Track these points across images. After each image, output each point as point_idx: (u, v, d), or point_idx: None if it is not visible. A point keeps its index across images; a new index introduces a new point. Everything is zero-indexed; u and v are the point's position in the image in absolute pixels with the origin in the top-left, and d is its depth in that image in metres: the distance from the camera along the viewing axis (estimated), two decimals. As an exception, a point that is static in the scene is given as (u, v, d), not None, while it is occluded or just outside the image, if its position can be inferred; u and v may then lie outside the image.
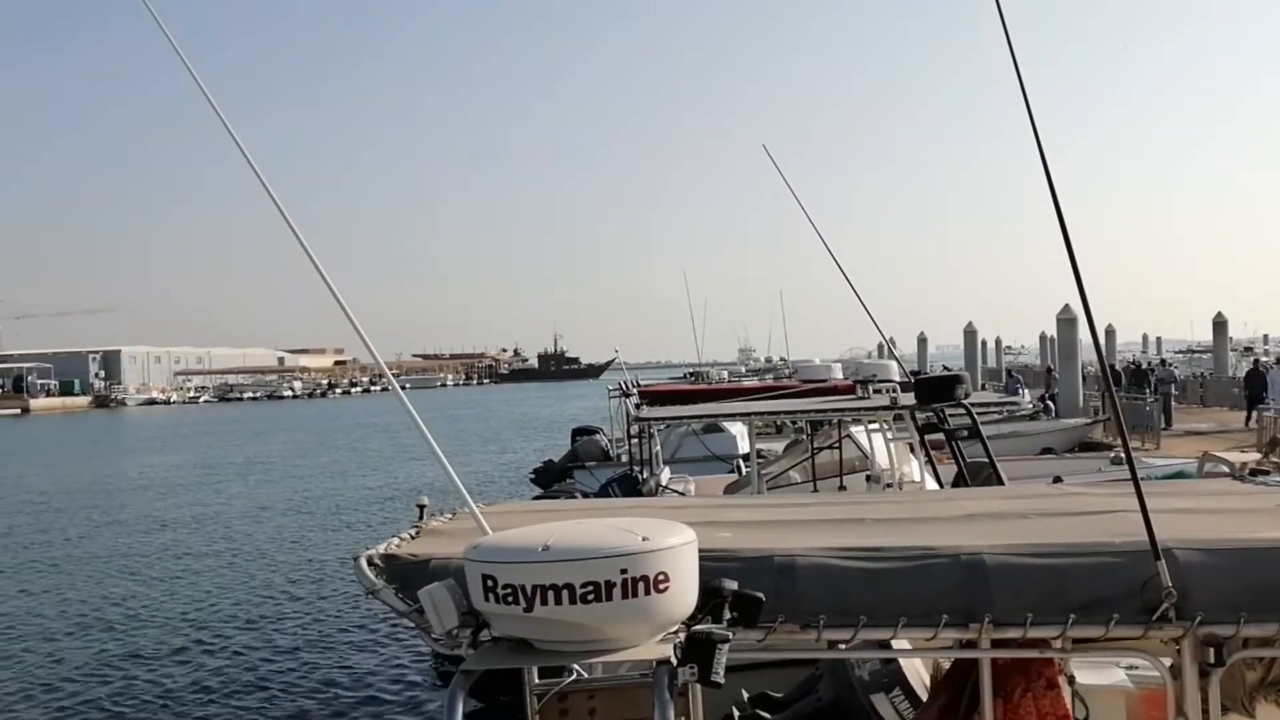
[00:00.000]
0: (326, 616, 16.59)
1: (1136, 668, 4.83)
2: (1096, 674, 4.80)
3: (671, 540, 2.72)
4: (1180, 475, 12.90)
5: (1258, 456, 16.63)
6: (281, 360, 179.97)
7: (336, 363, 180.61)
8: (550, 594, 2.60)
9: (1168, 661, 3.29)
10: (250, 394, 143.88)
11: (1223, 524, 3.62)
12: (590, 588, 2.59)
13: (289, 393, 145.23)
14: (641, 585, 2.62)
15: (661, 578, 2.65)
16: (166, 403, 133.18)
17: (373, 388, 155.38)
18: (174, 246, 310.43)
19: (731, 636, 2.74)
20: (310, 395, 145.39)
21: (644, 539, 2.67)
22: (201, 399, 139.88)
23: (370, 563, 3.34)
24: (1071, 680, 4.09)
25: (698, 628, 2.77)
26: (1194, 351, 70.24)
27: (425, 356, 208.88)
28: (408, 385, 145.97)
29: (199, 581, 20.13)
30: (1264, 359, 33.61)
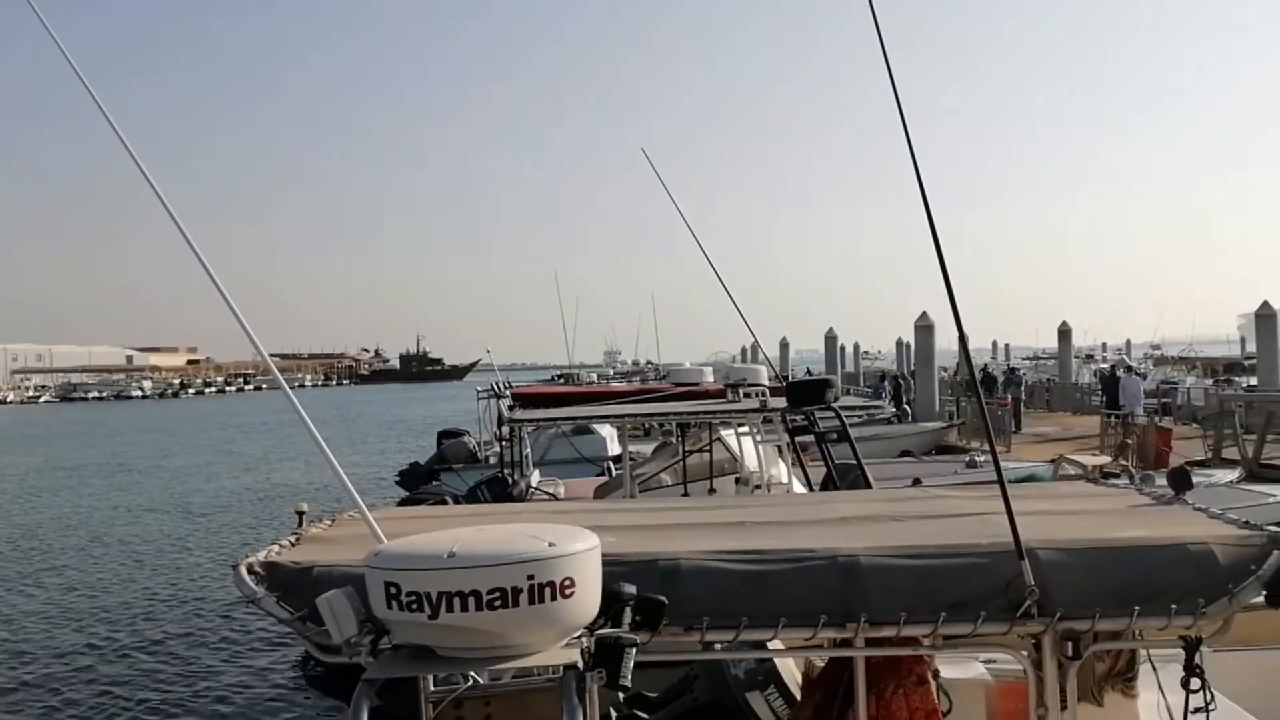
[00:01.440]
0: (195, 626, 15.95)
1: (995, 661, 5.06)
2: (959, 668, 5.01)
3: (578, 546, 2.74)
4: (1032, 478, 13.51)
5: (1107, 460, 17.54)
6: (130, 359, 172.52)
7: (190, 362, 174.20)
8: (456, 600, 2.58)
9: (1029, 655, 3.46)
10: (96, 394, 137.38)
11: (1080, 525, 3.82)
12: (497, 594, 2.59)
13: (138, 393, 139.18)
14: (548, 591, 2.63)
15: (568, 583, 2.66)
16: (3, 402, 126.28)
17: (228, 388, 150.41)
18: (12, 236, 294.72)
19: (639, 641, 2.78)
20: (161, 395, 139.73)
21: (550, 544, 2.68)
22: (42, 399, 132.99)
23: (250, 570, 3.27)
24: (936, 675, 4.26)
25: (606, 632, 2.80)
26: (1040, 358, 73.38)
27: (283, 356, 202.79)
28: (264, 385, 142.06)
29: (59, 593, 19.07)
30: (1119, 367, 35.40)
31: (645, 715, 5.65)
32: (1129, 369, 34.98)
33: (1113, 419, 24.84)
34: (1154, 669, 4.44)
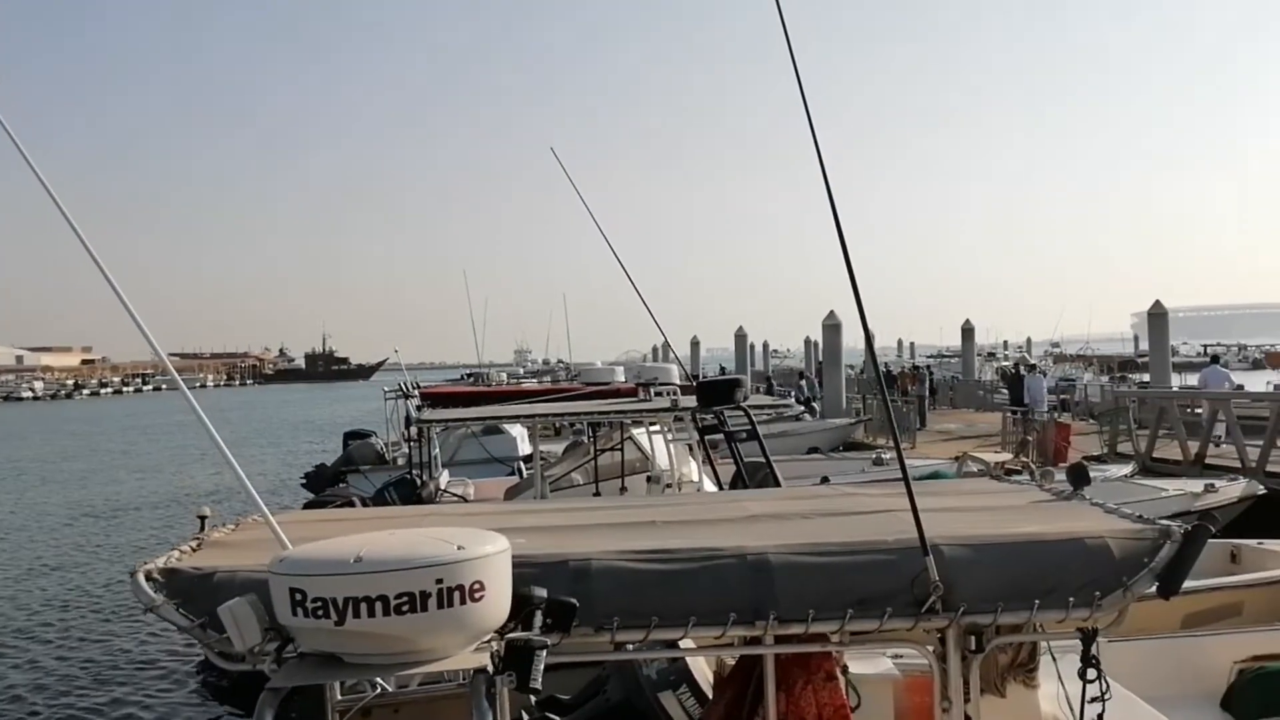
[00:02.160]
0: (90, 636, 15.35)
1: (902, 656, 5.15)
2: (867, 664, 5.09)
3: (487, 549, 2.71)
4: (937, 475, 13.79)
5: (1010, 456, 18.00)
6: (20, 359, 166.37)
7: (84, 361, 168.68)
8: (363, 606, 2.54)
9: (933, 650, 3.52)
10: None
11: (982, 521, 3.90)
12: (405, 598, 2.55)
13: (29, 394, 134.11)
14: (457, 594, 2.60)
15: (477, 586, 2.64)
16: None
17: (125, 388, 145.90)
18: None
19: (549, 643, 2.76)
20: (54, 397, 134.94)
21: (459, 548, 2.65)
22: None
23: (149, 577, 3.17)
24: (845, 671, 4.32)
25: (516, 635, 2.78)
26: (944, 356, 75.03)
27: (183, 356, 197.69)
28: (164, 386, 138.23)
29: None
30: (1024, 365, 36.29)
31: (558, 718, 5.62)
32: (1032, 367, 35.39)
33: (1016, 416, 25.39)
34: (1054, 660, 4.57)
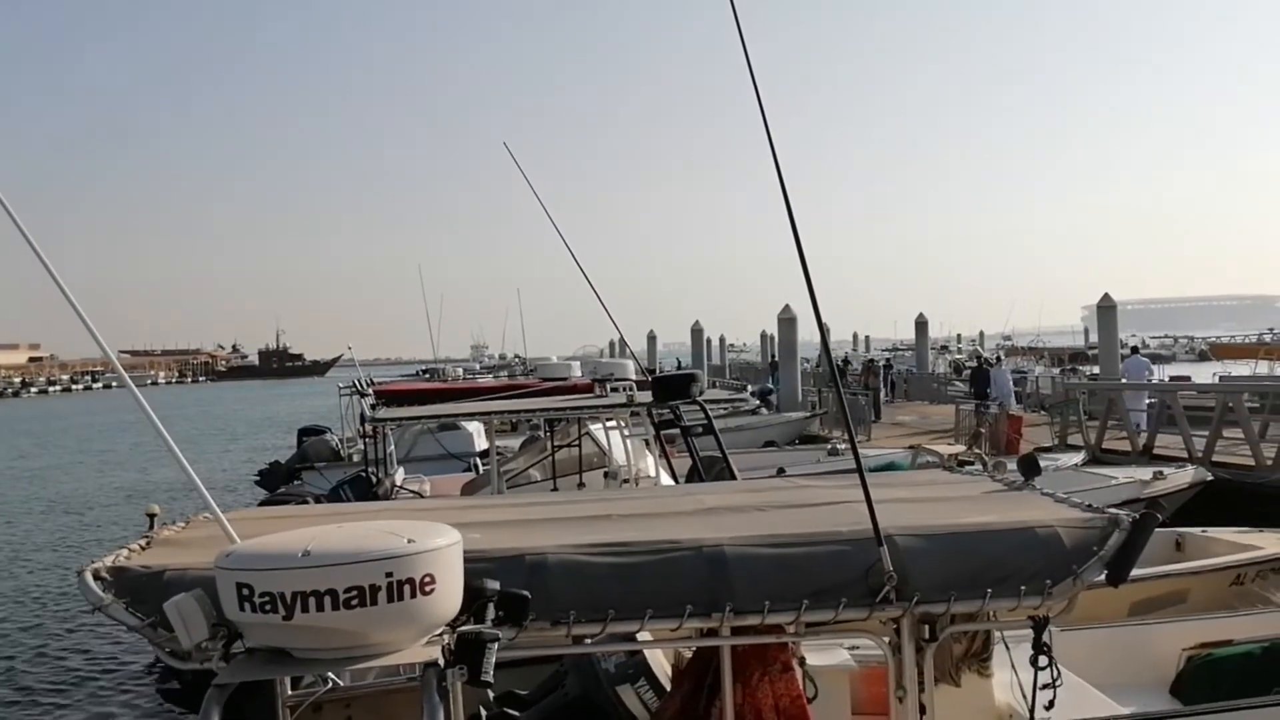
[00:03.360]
0: (37, 637, 15.13)
1: (859, 647, 5.18)
2: (823, 655, 5.12)
3: (437, 541, 2.69)
4: (892, 465, 13.91)
5: (963, 448, 18.17)
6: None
7: (32, 359, 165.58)
8: (312, 600, 2.52)
9: (888, 640, 3.55)
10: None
11: (935, 511, 3.93)
12: (354, 592, 2.53)
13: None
14: (408, 588, 2.59)
15: (428, 579, 2.62)
16: None
17: (75, 386, 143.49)
18: None
19: (501, 636, 2.75)
20: (1, 395, 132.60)
21: (409, 541, 2.64)
22: None
23: (97, 576, 3.13)
24: (802, 662, 4.34)
25: (467, 628, 2.76)
26: (898, 349, 75.69)
27: (135, 353, 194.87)
28: (114, 384, 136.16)
29: None
30: (989, 359, 36.43)
31: (516, 713, 5.60)
32: (997, 360, 35.35)
33: (978, 408, 25.43)
34: (1007, 648, 4.62)
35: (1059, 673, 3.67)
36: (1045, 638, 3.61)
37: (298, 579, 2.53)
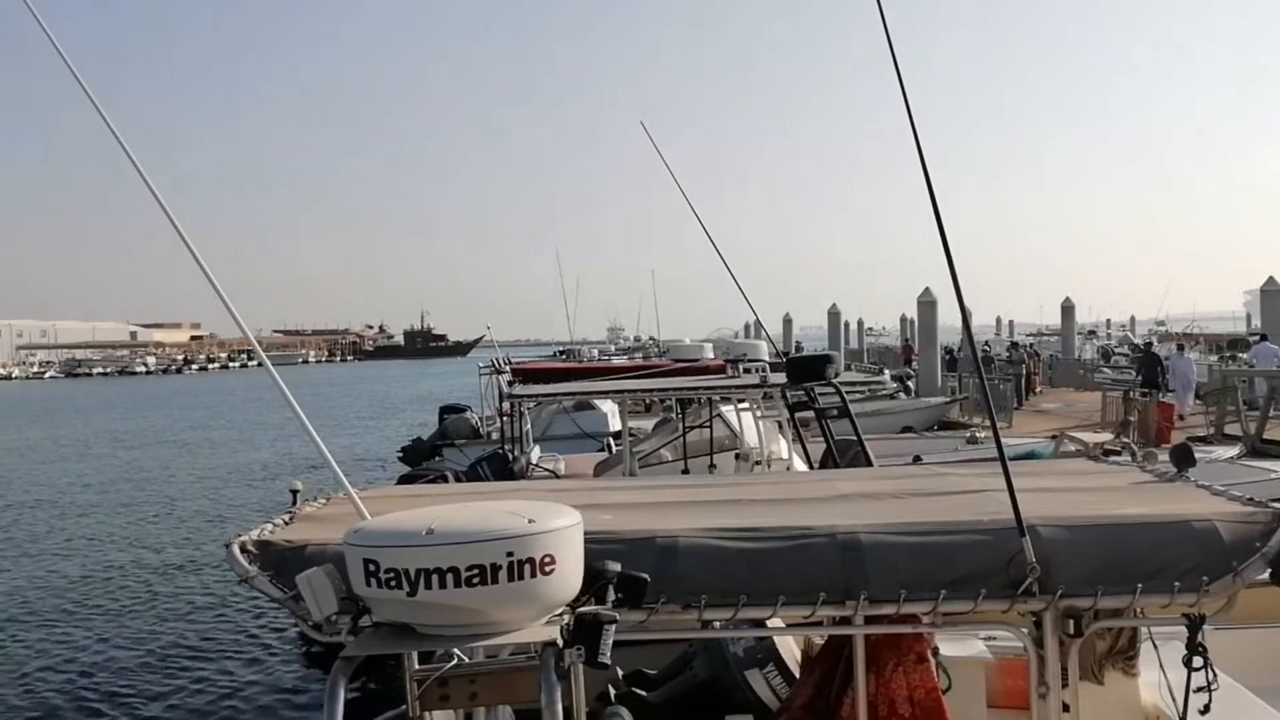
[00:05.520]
0: (196, 604, 15.97)
1: (996, 639, 5.03)
2: (958, 646, 4.98)
3: (558, 522, 2.70)
4: (1032, 454, 13.48)
5: (1109, 436, 17.45)
6: (134, 335, 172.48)
7: (193, 337, 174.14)
8: (435, 578, 2.56)
9: (1029, 633, 3.43)
10: (100, 369, 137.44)
11: (1080, 501, 3.79)
12: (475, 571, 2.56)
13: (142, 368, 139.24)
14: (528, 567, 2.61)
15: (548, 560, 2.64)
16: (7, 378, 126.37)
17: (231, 364, 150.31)
18: (15, 212, 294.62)
19: (618, 618, 2.75)
20: (165, 371, 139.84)
21: (530, 521, 2.65)
22: (47, 374, 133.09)
23: (243, 549, 3.25)
24: (936, 652, 4.23)
25: (584, 609, 2.77)
26: (1043, 335, 73.28)
27: (287, 332, 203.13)
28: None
29: (61, 567, 19.13)
30: (1170, 343, 34.41)
31: (644, 692, 5.62)
32: (1179, 346, 32.78)
33: (1123, 395, 24.13)
34: (1155, 647, 4.42)
35: (1214, 674, 3.48)
36: (1200, 637, 3.43)
37: (421, 556, 2.57)
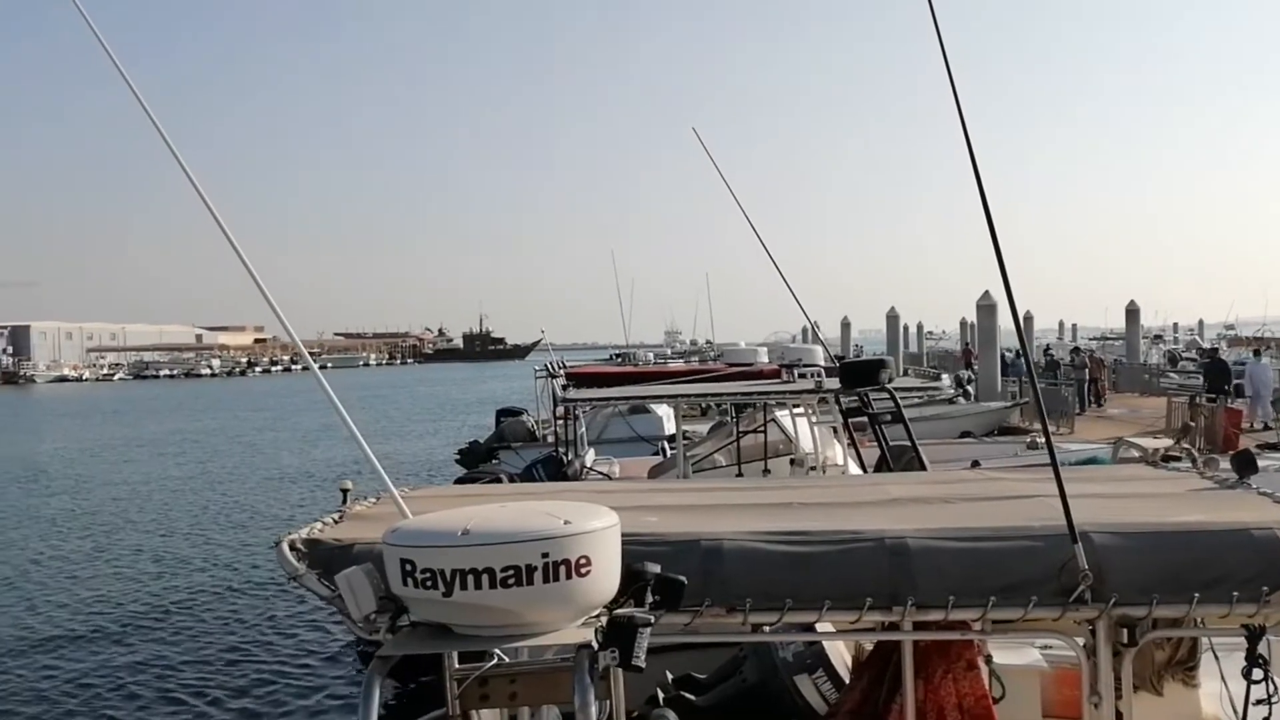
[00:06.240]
0: (247, 600, 16.33)
1: (1051, 647, 4.94)
2: (1012, 654, 4.91)
3: (594, 524, 2.69)
4: (1093, 460, 13.23)
5: (1170, 443, 17.05)
6: (199, 337, 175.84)
7: (256, 340, 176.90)
8: (470, 578, 2.56)
9: (1082, 642, 3.36)
10: (166, 372, 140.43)
11: (1135, 508, 3.71)
12: (511, 571, 2.56)
13: (207, 371, 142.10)
14: (563, 569, 2.60)
15: (583, 561, 2.63)
16: (79, 380, 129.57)
17: (294, 366, 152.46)
18: (87, 220, 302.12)
19: (653, 620, 2.73)
20: (229, 374, 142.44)
21: (565, 522, 2.65)
22: (116, 376, 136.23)
23: (292, 547, 3.28)
24: (989, 660, 4.17)
25: (619, 611, 2.75)
26: (1107, 339, 71.95)
27: (348, 335, 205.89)
28: (329, 364, 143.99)
29: (115, 563, 19.71)
30: (1224, 347, 33.31)
31: (693, 696, 5.61)
32: (1256, 352, 30.69)
33: (1189, 400, 23.38)
34: (1216, 658, 4.31)
35: (1276, 687, 3.39)
36: (1261, 648, 3.34)
37: (457, 557, 2.58)
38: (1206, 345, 41.62)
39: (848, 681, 4.88)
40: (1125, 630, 3.30)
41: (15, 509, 27.09)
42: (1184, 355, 53.62)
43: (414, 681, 6.77)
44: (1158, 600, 3.12)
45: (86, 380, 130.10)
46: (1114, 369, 44.17)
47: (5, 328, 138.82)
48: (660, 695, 5.49)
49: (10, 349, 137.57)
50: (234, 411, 65.38)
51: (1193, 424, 21.71)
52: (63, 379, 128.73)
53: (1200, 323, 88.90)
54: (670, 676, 5.86)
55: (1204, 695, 4.61)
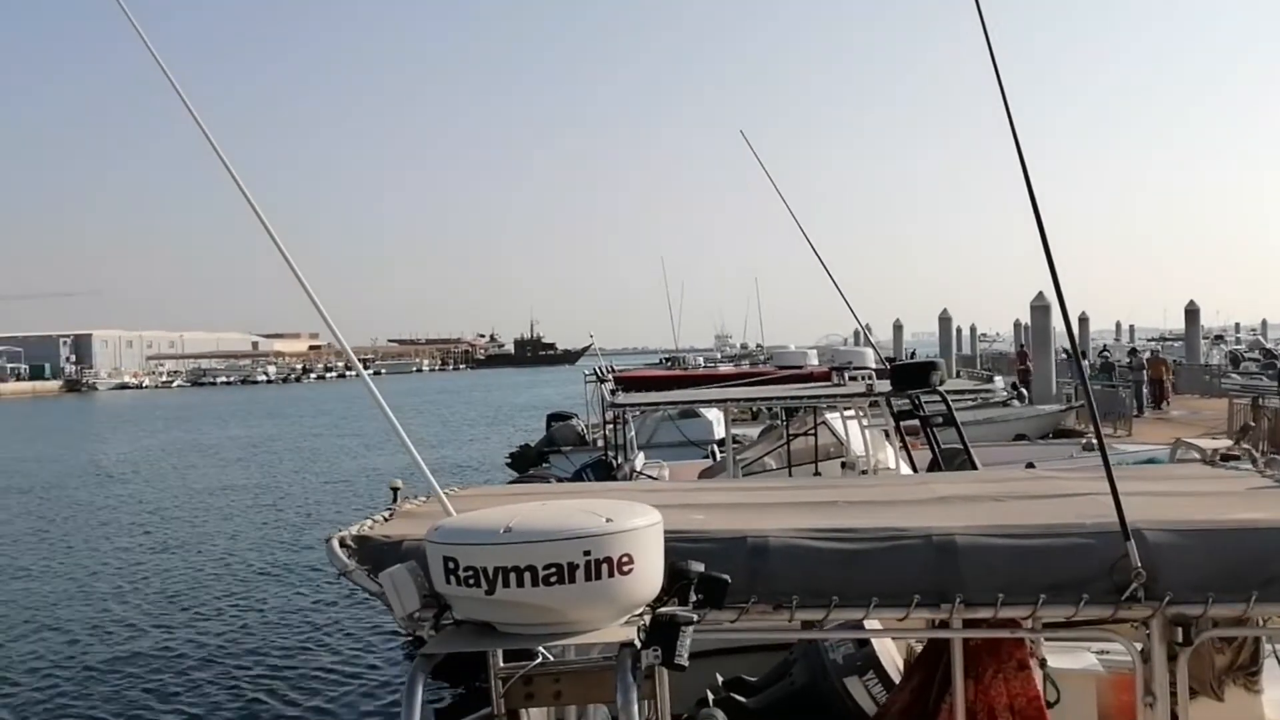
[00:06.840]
0: (299, 597, 16.62)
1: (1108, 652, 4.86)
2: (1068, 658, 4.83)
3: (636, 522, 2.68)
4: (1152, 462, 13.00)
5: (1229, 444, 16.68)
6: (255, 345, 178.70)
7: (311, 347, 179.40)
8: (512, 576, 2.56)
9: (1138, 645, 3.30)
10: (224, 378, 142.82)
11: (1191, 506, 3.64)
12: (553, 569, 2.55)
13: (263, 377, 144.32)
14: (605, 567, 2.58)
15: (625, 559, 2.61)
16: (139, 387, 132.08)
17: (348, 373, 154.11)
18: (146, 230, 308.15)
19: (696, 618, 2.71)
20: (284, 380, 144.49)
21: (608, 520, 2.64)
22: (174, 383, 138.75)
23: (342, 544, 3.32)
24: (1043, 663, 4.10)
25: (661, 610, 2.74)
26: (1166, 340, 70.73)
27: (401, 341, 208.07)
28: (383, 370, 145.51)
29: (172, 561, 20.15)
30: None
31: (743, 699, 5.59)
32: None
33: (1251, 401, 23.00)
34: (1279, 662, 4.22)
35: None
36: None
37: (499, 555, 2.57)
38: (1270, 345, 40.80)
39: (898, 684, 4.84)
40: (1180, 630, 3.23)
41: (87, 511, 27.85)
42: (1247, 355, 52.52)
43: (462, 682, 6.80)
44: (1214, 599, 3.05)
45: (146, 387, 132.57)
46: (1174, 370, 43.41)
47: (68, 336, 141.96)
48: (710, 697, 5.48)
49: (73, 357, 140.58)
50: (303, 417, 66.24)
51: (1253, 425, 21.25)
52: (124, 386, 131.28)
53: (1263, 322, 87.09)
54: (720, 679, 5.84)
55: (1267, 701, 4.51)
